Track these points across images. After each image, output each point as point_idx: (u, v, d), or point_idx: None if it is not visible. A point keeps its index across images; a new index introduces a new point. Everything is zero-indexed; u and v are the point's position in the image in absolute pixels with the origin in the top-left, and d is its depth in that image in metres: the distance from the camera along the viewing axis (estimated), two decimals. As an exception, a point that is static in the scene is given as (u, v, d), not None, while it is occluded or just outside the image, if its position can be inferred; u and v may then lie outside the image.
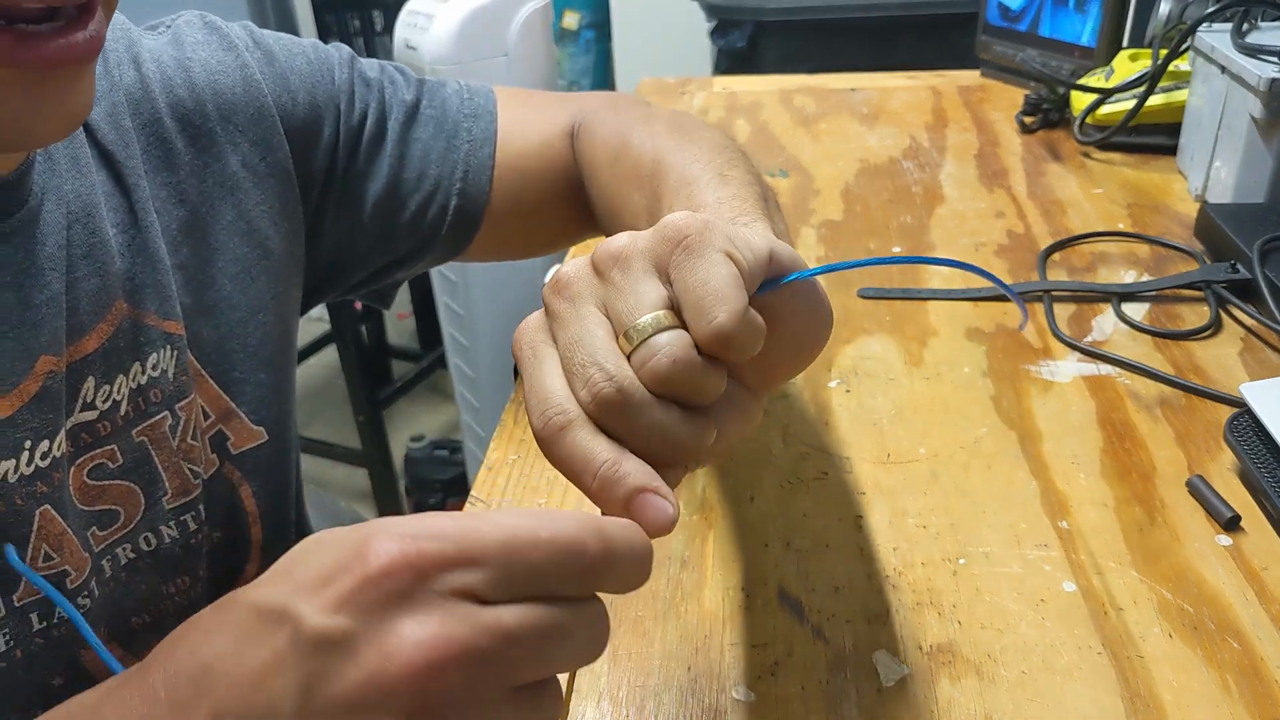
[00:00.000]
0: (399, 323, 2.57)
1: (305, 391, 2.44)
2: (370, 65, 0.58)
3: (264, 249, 0.53)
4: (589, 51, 2.42)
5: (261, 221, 0.52)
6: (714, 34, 1.58)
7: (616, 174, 0.53)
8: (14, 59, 0.34)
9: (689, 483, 0.53)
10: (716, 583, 0.46)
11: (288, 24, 2.17)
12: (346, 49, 0.58)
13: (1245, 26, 0.80)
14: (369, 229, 0.58)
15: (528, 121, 0.59)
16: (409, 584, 0.25)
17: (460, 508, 0.51)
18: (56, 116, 0.37)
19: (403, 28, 1.50)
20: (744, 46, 1.50)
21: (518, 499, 0.52)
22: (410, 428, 2.12)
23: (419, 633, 0.24)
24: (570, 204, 0.59)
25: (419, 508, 1.94)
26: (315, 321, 2.53)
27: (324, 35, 2.17)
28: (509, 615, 0.26)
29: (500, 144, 0.59)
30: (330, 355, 2.27)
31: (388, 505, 2.07)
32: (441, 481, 1.91)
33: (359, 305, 1.91)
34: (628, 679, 0.42)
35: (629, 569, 0.28)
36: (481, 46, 1.45)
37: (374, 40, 2.18)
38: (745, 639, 0.43)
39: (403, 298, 2.46)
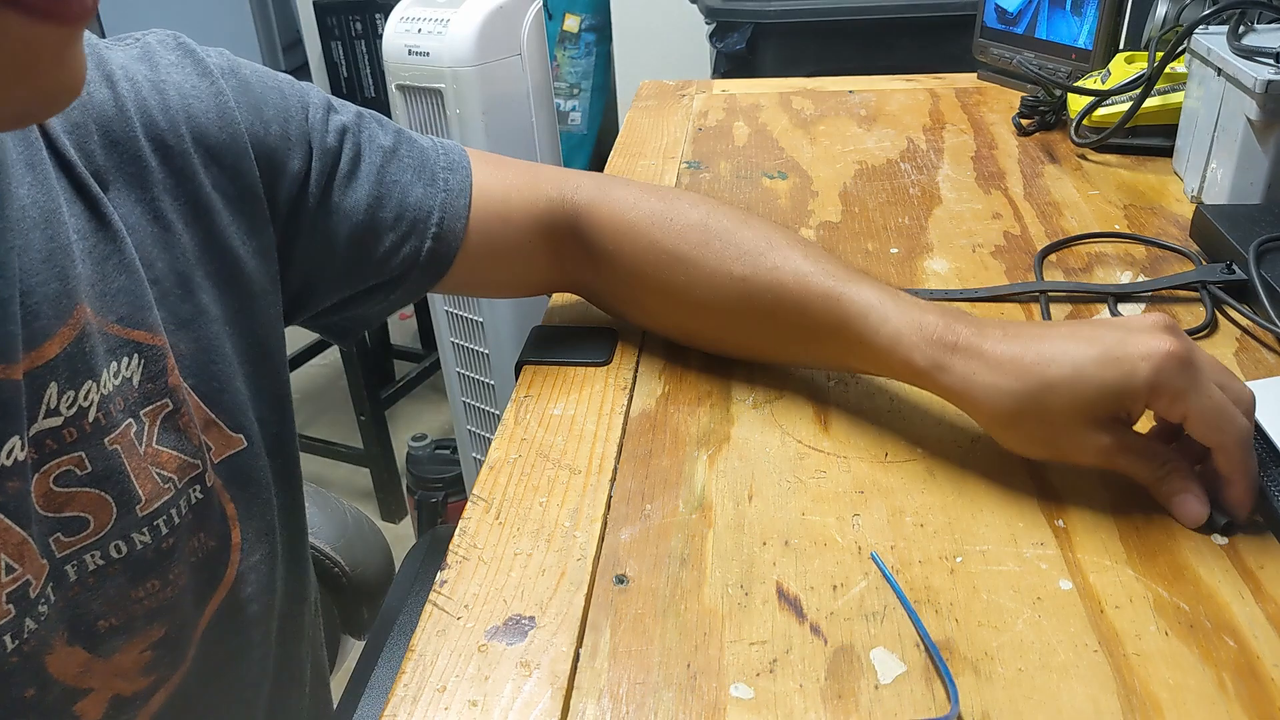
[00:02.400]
0: (401, 323, 2.58)
1: (308, 391, 2.45)
2: (346, 109, 0.60)
3: (235, 268, 0.54)
4: (589, 54, 2.43)
5: (232, 241, 0.54)
6: (713, 37, 1.58)
7: (671, 232, 0.59)
8: (54, 11, 0.33)
9: (689, 482, 0.53)
10: (715, 580, 0.47)
11: (289, 27, 2.18)
12: (324, 94, 0.60)
13: (1241, 29, 0.81)
14: (339, 261, 0.59)
15: (509, 182, 0.63)
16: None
17: (462, 507, 0.52)
18: (73, 78, 0.36)
19: (399, 34, 1.50)
20: (743, 49, 1.51)
21: (518, 498, 0.52)
22: (412, 427, 2.12)
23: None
24: (542, 260, 0.63)
25: (421, 507, 1.95)
26: (316, 323, 2.53)
27: (325, 38, 2.18)
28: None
29: (479, 194, 0.62)
30: (332, 355, 2.27)
31: (390, 504, 2.08)
32: (444, 480, 1.91)
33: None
34: (628, 676, 0.42)
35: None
36: (500, 46, 1.47)
37: (375, 43, 2.18)
38: (744, 636, 0.44)
39: (403, 299, 2.46)
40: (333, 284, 0.61)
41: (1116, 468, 0.49)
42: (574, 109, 2.38)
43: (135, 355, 0.48)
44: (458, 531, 0.50)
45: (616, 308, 0.67)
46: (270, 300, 0.57)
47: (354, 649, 0.80)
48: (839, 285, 0.54)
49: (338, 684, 0.71)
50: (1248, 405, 0.47)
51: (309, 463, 2.15)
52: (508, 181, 0.63)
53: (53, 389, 0.45)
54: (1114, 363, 0.46)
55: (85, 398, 0.46)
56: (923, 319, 0.51)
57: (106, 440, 0.47)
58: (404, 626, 0.66)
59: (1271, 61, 0.75)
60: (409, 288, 0.63)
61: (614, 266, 0.62)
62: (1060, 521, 0.49)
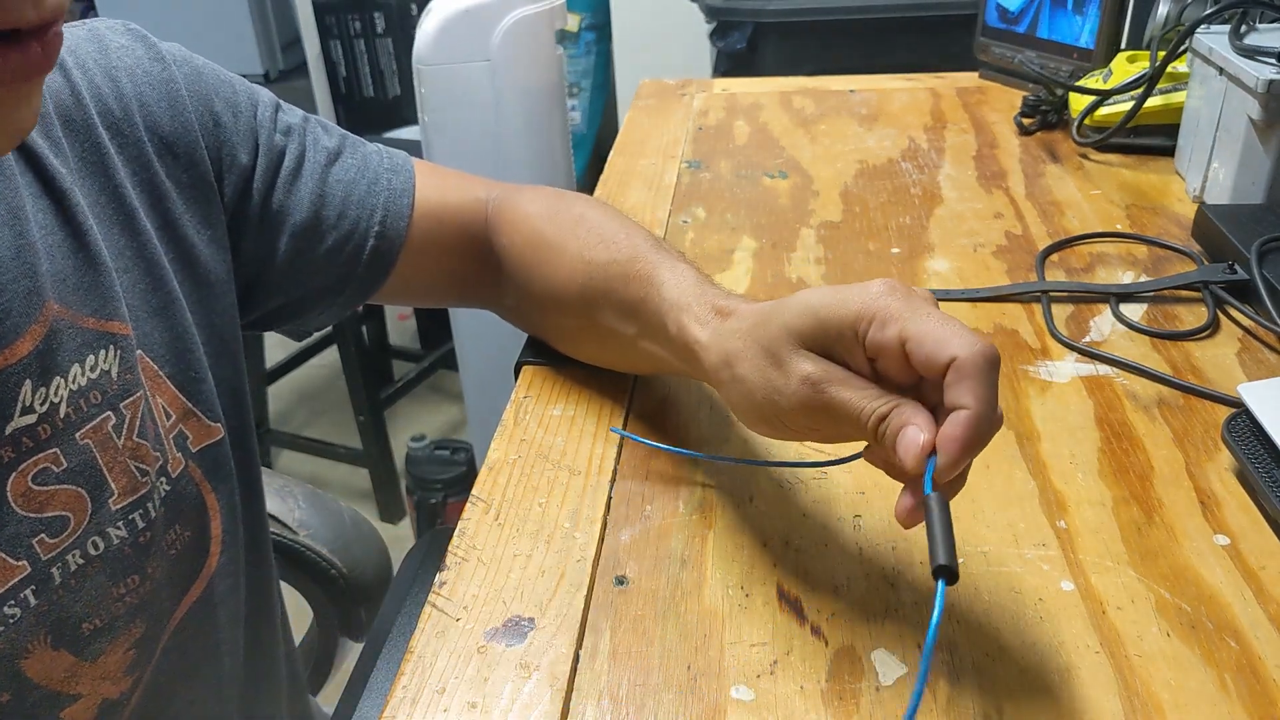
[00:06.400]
0: (400, 323, 2.57)
1: (306, 392, 2.45)
2: (294, 112, 0.61)
3: (191, 256, 0.54)
4: (590, 53, 2.42)
5: (187, 230, 0.54)
6: (714, 36, 1.58)
7: (554, 222, 0.60)
8: (16, 75, 0.34)
9: (689, 482, 0.53)
10: (716, 582, 0.47)
11: (288, 26, 2.17)
12: (272, 95, 0.61)
13: (1243, 28, 0.81)
14: (284, 261, 0.59)
15: (446, 185, 0.64)
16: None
17: (462, 507, 0.52)
18: (8, 129, 0.37)
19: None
20: (744, 48, 1.50)
21: (518, 498, 0.52)
22: (411, 428, 2.12)
23: None
24: (474, 264, 0.64)
25: (420, 508, 1.94)
26: (316, 322, 2.53)
27: (324, 36, 2.17)
28: None
29: (419, 195, 0.62)
30: (331, 355, 2.27)
31: (389, 505, 2.07)
32: (443, 481, 1.91)
33: (359, 306, 1.91)
34: (628, 678, 0.42)
35: None
36: (460, 51, 1.42)
37: (374, 43, 2.18)
38: (745, 638, 0.43)
39: (403, 298, 2.46)
40: (275, 285, 0.60)
41: (827, 401, 0.41)
42: (573, 108, 2.38)
43: (111, 347, 0.48)
44: (457, 532, 0.50)
45: (518, 320, 0.67)
46: (226, 290, 0.57)
47: (352, 651, 0.80)
48: (656, 265, 0.53)
49: (336, 686, 0.71)
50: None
51: (308, 463, 2.14)
52: (445, 184, 0.64)
53: (27, 386, 0.45)
54: (830, 293, 0.42)
55: (55, 393, 0.46)
56: (704, 290, 0.50)
57: (78, 435, 0.47)
58: (402, 628, 0.65)
59: (1273, 61, 0.75)
60: (353, 292, 0.62)
61: (510, 267, 0.62)
62: (1062, 523, 0.49)
